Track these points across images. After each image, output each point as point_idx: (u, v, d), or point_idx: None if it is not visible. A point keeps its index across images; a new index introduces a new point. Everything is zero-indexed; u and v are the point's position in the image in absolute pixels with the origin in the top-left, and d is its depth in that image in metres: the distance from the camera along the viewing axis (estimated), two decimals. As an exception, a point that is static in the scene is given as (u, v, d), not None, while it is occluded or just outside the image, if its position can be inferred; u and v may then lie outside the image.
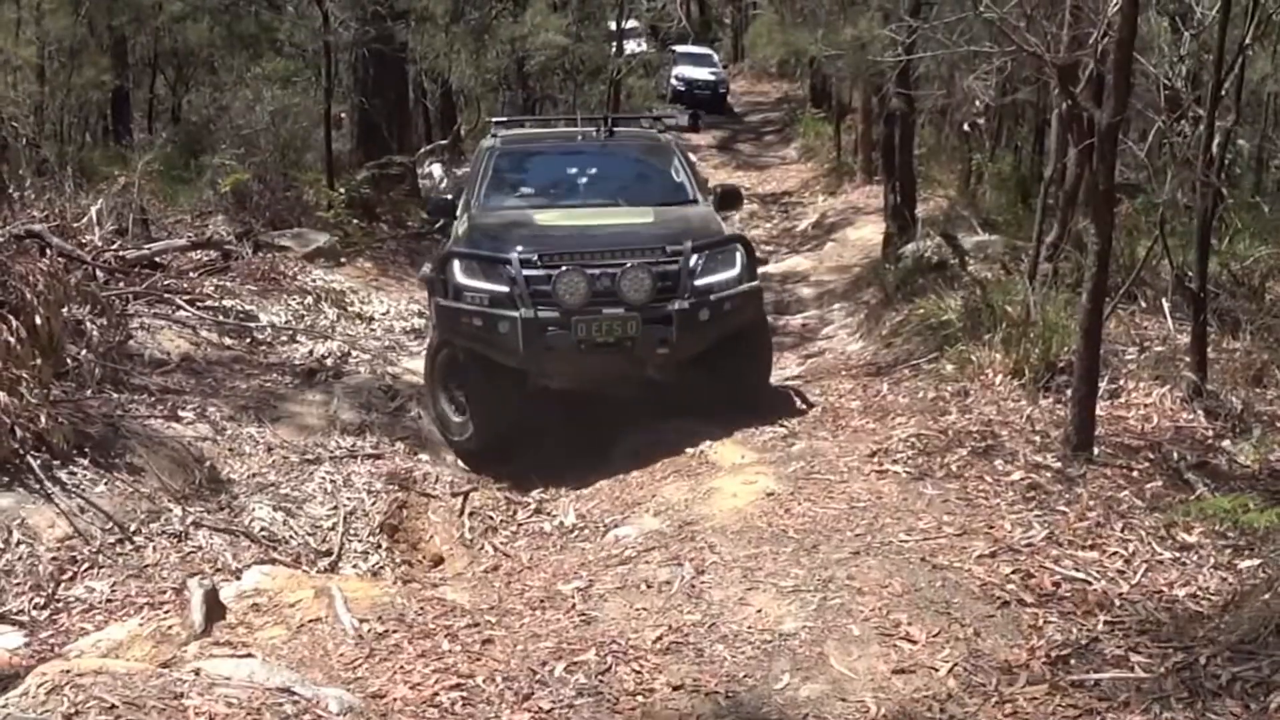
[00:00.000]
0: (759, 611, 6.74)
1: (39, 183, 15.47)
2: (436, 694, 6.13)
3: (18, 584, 7.72)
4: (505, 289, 10.73)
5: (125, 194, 15.17)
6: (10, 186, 14.73)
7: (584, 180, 13.42)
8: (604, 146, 13.74)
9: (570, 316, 10.59)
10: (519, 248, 10.89)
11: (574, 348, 10.67)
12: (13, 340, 9.15)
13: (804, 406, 11.78)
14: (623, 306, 10.68)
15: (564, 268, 10.66)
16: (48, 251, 11.51)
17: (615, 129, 13.94)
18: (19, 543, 7.99)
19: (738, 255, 11.42)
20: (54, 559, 7.97)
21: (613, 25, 30.38)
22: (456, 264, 11.09)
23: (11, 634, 7.31)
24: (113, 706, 5.58)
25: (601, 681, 6.14)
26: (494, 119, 15.37)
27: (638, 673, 6.20)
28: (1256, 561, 6.89)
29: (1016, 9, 10.04)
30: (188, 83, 25.91)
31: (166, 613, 7.40)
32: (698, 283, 10.93)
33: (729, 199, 13.67)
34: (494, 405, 11.24)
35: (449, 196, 13.27)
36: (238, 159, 17.95)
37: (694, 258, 10.98)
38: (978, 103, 19.31)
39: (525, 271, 10.70)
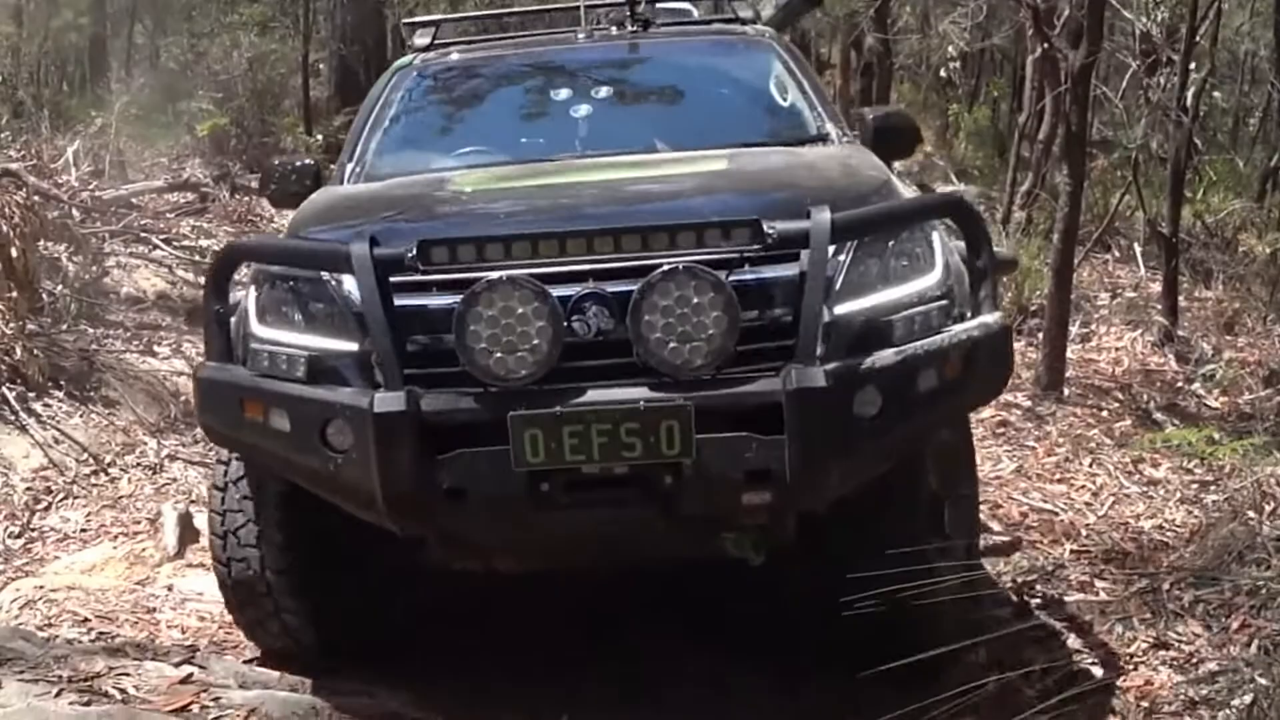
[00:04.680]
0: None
1: (15, 124, 15.43)
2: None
3: (-8, 513, 7.75)
4: (352, 344, 4.50)
5: (102, 136, 15.09)
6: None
7: (590, 113, 6.61)
8: (635, 50, 7.38)
9: (509, 406, 4.18)
10: (386, 230, 4.64)
11: (520, 491, 4.23)
12: (-12, 272, 9.16)
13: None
14: (646, 379, 4.27)
15: (487, 277, 4.22)
16: (24, 190, 11.49)
17: (650, 20, 7.37)
18: (-6, 473, 8.03)
19: (937, 243, 4.71)
20: (29, 489, 7.97)
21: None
22: (252, 290, 4.95)
23: (-15, 560, 7.36)
24: (85, 619, 5.65)
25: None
26: (411, 20, 8.36)
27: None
28: (1221, 496, 6.97)
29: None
30: (165, 30, 25.79)
31: (140, 540, 7.45)
32: (843, 310, 4.40)
33: (894, 135, 6.37)
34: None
35: (303, 162, 7.00)
36: (215, 104, 17.90)
37: (840, 248, 4.44)
38: (951, 49, 19.34)
39: (396, 293, 4.39)
